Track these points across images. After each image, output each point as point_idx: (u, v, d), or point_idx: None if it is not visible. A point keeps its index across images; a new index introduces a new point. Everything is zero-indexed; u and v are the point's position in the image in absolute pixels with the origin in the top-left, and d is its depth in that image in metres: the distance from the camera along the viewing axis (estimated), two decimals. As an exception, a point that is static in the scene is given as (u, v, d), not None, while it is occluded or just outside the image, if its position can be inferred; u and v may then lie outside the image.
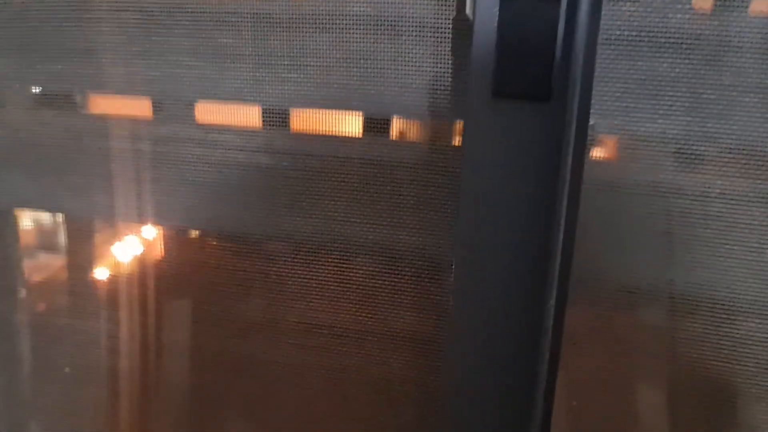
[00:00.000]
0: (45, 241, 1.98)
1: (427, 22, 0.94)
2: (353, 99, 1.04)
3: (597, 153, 0.93)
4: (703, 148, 0.91)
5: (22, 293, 1.85)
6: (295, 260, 1.28)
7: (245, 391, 1.54)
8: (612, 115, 0.90)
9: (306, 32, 1.06)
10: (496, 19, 0.77)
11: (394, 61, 0.99)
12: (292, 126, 1.16)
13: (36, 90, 1.40)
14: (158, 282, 1.65)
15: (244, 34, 1.11)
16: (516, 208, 0.84)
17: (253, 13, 1.10)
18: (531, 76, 0.78)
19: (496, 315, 0.87)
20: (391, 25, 0.96)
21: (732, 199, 0.94)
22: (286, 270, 1.29)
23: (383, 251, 1.16)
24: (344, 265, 1.23)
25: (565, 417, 1.09)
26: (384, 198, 1.11)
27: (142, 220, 1.46)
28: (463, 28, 0.92)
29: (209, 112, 1.23)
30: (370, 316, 1.25)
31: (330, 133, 1.12)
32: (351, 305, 1.27)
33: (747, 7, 0.85)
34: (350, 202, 1.14)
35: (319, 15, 1.03)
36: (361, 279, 1.22)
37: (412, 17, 0.95)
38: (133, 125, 1.36)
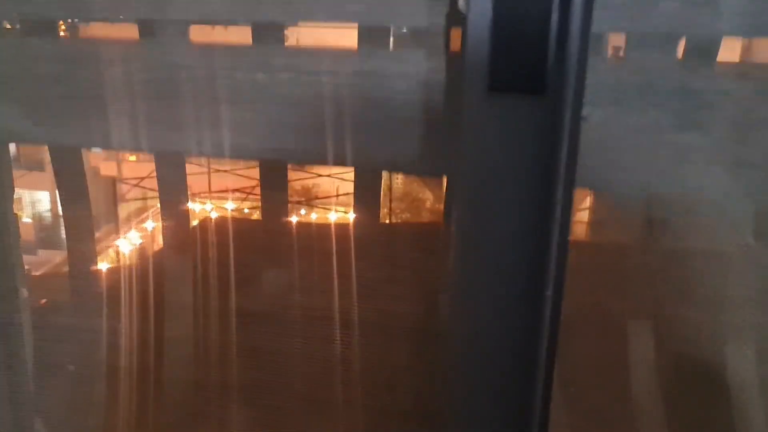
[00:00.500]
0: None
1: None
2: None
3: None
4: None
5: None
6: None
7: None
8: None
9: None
10: (490, 12, 0.77)
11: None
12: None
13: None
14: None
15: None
16: (512, 200, 0.85)
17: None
18: (526, 69, 0.79)
19: (493, 302, 0.89)
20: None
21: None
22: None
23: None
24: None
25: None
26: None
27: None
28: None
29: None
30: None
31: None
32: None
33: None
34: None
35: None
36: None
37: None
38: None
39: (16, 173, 2.41)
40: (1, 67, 1.48)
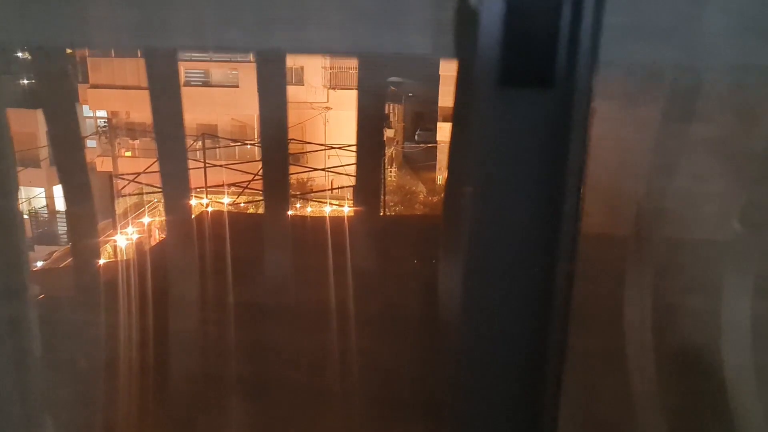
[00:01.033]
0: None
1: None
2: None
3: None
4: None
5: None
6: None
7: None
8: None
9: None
10: (502, 8, 0.79)
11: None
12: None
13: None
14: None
15: None
16: (523, 191, 0.86)
17: None
18: (536, 63, 0.80)
19: (506, 290, 0.90)
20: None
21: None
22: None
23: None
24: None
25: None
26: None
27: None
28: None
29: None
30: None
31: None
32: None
33: None
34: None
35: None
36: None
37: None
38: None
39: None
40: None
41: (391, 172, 17.11)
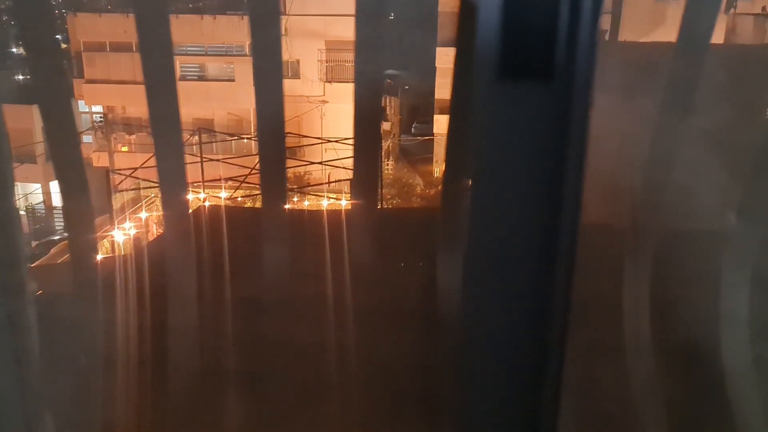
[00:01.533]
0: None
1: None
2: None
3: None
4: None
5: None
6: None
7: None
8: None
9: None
10: (501, 0, 0.78)
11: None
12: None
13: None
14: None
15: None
16: (523, 184, 0.86)
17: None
18: (535, 56, 0.80)
19: (505, 285, 0.90)
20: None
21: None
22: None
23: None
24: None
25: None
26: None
27: None
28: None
29: None
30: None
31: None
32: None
33: None
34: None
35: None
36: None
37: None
38: None
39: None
40: None
41: (388, 165, 17.10)
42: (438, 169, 15.97)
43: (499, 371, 0.93)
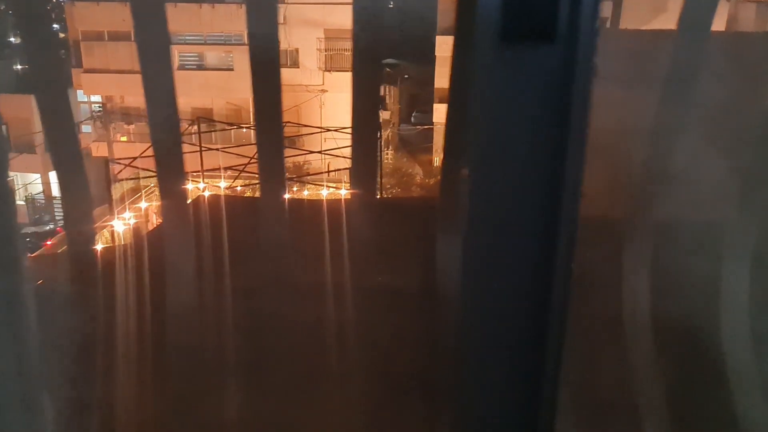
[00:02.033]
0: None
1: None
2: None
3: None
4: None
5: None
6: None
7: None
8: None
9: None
10: None
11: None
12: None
13: None
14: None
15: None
16: (525, 147, 0.85)
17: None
18: (537, 17, 0.79)
19: (507, 256, 0.89)
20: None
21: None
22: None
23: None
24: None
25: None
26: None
27: None
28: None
29: None
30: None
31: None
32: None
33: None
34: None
35: None
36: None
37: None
38: None
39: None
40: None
41: (387, 154, 17.05)
42: (437, 158, 15.91)
43: (498, 353, 0.93)
